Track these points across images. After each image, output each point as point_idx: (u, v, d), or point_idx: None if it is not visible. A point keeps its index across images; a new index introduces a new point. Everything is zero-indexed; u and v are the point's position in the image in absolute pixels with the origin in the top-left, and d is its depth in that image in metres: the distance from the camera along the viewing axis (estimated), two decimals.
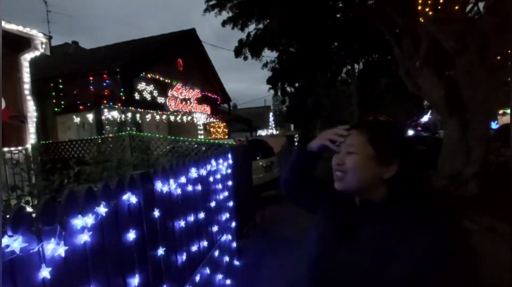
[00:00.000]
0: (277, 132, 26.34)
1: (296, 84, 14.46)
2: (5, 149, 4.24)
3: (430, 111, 26.54)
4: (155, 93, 9.92)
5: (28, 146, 4.65)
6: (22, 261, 0.89)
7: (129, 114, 9.09)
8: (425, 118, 28.71)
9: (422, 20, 5.62)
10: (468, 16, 6.23)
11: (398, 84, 10.61)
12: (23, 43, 4.54)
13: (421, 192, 0.78)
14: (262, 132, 26.18)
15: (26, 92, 4.71)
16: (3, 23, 4.11)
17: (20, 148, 4.48)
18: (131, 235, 1.46)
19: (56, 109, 8.73)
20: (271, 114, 33.33)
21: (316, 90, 18.29)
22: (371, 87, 15.35)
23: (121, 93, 8.43)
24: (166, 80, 10.56)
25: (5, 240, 0.84)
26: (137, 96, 9.10)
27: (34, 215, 0.98)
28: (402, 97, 16.58)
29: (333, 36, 10.08)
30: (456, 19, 5.35)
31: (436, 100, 6.16)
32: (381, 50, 10.69)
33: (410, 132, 19.94)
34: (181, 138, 5.79)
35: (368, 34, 9.08)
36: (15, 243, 0.86)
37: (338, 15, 9.71)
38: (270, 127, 30.22)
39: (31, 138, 4.74)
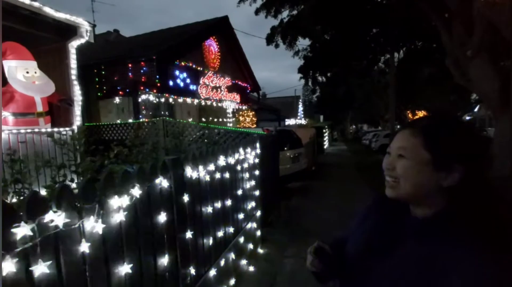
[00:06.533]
0: (305, 122, 25.79)
1: (328, 74, 13.90)
2: (55, 129, 4.65)
3: (478, 106, 24.10)
4: (188, 80, 10.18)
5: (75, 127, 5.06)
6: (64, 235, 0.97)
7: (163, 100, 9.47)
8: (470, 114, 26.16)
9: (478, 3, 5.00)
10: None
11: (442, 75, 9.70)
12: (71, 31, 4.88)
13: (487, 208, 0.62)
14: (290, 122, 25.85)
15: (73, 77, 5.08)
16: (53, 12, 4.43)
17: (67, 129, 4.89)
18: (162, 217, 1.53)
19: (98, 94, 9.37)
20: (300, 104, 32.68)
21: (349, 80, 17.43)
22: (411, 78, 14.26)
23: (157, 80, 8.77)
24: (199, 68, 10.75)
25: (50, 215, 0.92)
26: (171, 83, 9.41)
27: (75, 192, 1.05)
28: (445, 90, 15.19)
29: (372, 22, 9.41)
30: None
31: (489, 93, 5.54)
32: (425, 37, 9.79)
33: None
34: (211, 125, 5.91)
35: (412, 19, 8.33)
36: (59, 218, 0.94)
37: None
38: (298, 117, 29.68)
39: (77, 120, 5.14)
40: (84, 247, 1.03)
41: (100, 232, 1.10)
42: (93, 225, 1.07)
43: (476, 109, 24.56)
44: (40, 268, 0.87)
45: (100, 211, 1.11)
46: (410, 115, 23.33)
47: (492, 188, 0.66)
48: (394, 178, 0.70)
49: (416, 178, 0.66)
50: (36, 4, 4.21)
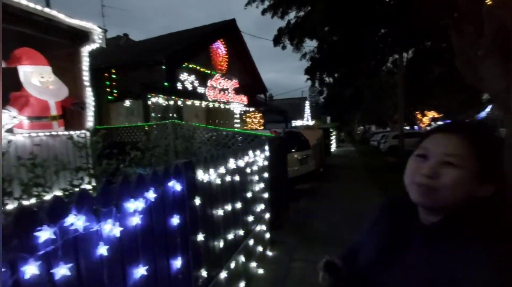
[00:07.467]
0: (313, 123, 25.69)
1: (336, 75, 13.80)
2: (66, 133, 4.76)
3: (490, 107, 23.51)
4: (196, 83, 10.28)
5: (87, 130, 5.17)
6: (84, 238, 0.99)
7: (172, 103, 9.58)
8: (482, 114, 25.52)
9: (488, 2, 4.89)
10: None
11: (452, 74, 9.53)
12: (84, 36, 4.99)
13: (501, 212, 0.64)
14: (297, 123, 25.78)
15: (86, 81, 5.20)
16: (67, 18, 4.54)
17: (79, 132, 5.00)
18: (175, 220, 1.55)
19: (109, 97, 9.55)
20: (307, 105, 32.58)
21: (357, 80, 17.26)
22: (420, 78, 14.04)
23: (165, 83, 8.88)
24: (206, 71, 10.85)
25: (71, 219, 0.94)
26: (179, 86, 9.53)
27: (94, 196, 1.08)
28: (455, 89, 14.88)
29: (381, 22, 9.33)
30: None
31: (500, 93, 5.41)
32: (434, 37, 9.63)
33: None
34: (220, 128, 5.95)
35: (421, 19, 8.22)
36: (79, 221, 0.96)
37: None
38: (306, 119, 29.58)
39: (89, 123, 5.25)
40: (102, 250, 1.05)
41: (118, 235, 1.12)
42: (110, 228, 1.10)
43: (488, 109, 23.95)
44: (62, 271, 0.89)
45: (117, 214, 1.13)
46: (419, 115, 22.95)
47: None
48: (434, 187, 0.64)
49: (465, 189, 0.63)
50: (50, 10, 4.33)
